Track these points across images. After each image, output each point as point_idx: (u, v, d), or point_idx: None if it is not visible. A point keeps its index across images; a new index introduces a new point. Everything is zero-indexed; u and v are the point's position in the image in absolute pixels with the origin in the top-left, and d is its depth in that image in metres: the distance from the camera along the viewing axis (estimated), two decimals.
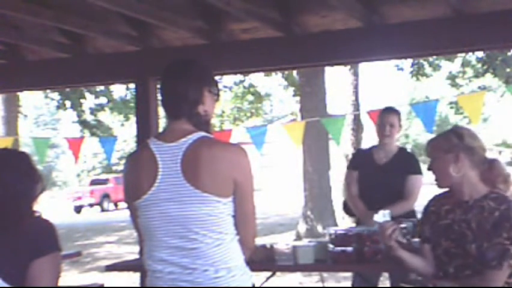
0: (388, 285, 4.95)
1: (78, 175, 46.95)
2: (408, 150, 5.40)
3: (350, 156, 5.55)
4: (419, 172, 5.05)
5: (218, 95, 2.61)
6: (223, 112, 25.03)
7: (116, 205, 30.29)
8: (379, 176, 4.93)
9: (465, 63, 18.78)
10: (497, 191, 3.09)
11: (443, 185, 3.15)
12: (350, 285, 5.14)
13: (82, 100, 17.46)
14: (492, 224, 2.95)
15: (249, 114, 25.18)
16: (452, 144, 3.06)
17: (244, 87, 20.69)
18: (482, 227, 2.97)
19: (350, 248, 3.96)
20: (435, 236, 3.13)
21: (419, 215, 3.58)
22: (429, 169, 3.16)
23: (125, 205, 2.62)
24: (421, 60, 16.67)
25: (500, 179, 3.12)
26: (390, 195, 4.90)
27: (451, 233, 3.07)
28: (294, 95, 16.67)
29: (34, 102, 45.54)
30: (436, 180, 3.14)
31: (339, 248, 3.98)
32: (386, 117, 4.99)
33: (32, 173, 2.54)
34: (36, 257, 2.37)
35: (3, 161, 2.52)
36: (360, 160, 5.15)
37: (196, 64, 2.59)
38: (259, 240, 3.56)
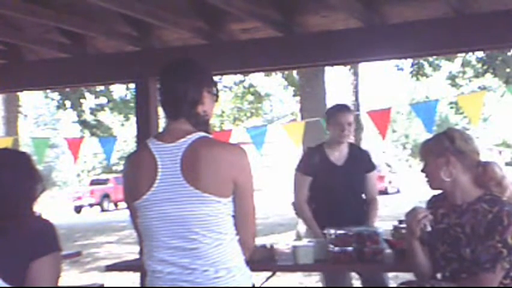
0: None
1: (78, 175, 46.97)
2: (356, 144, 5.19)
3: (301, 157, 5.19)
4: (374, 167, 5.03)
5: (217, 95, 2.61)
6: (223, 112, 25.03)
7: (116, 205, 30.29)
8: (340, 178, 4.81)
9: (465, 63, 18.78)
10: (491, 192, 3.06)
11: (434, 187, 3.16)
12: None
13: (82, 100, 17.48)
14: (485, 226, 2.94)
15: (249, 114, 25.17)
16: (443, 147, 3.05)
17: (244, 87, 20.70)
18: (476, 230, 2.97)
19: (350, 248, 3.96)
20: (432, 240, 3.13)
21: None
22: (422, 171, 3.16)
23: (125, 205, 2.62)
24: (421, 60, 16.65)
25: (492, 183, 3.07)
26: (352, 196, 4.86)
27: (447, 237, 3.08)
28: (294, 95, 16.66)
29: (34, 102, 45.57)
30: (428, 182, 3.14)
31: (339, 248, 3.98)
32: (343, 116, 4.81)
33: (33, 173, 2.54)
34: (36, 257, 2.37)
35: (3, 161, 2.52)
36: (315, 163, 4.89)
37: (195, 64, 2.59)
38: (259, 240, 3.55)
